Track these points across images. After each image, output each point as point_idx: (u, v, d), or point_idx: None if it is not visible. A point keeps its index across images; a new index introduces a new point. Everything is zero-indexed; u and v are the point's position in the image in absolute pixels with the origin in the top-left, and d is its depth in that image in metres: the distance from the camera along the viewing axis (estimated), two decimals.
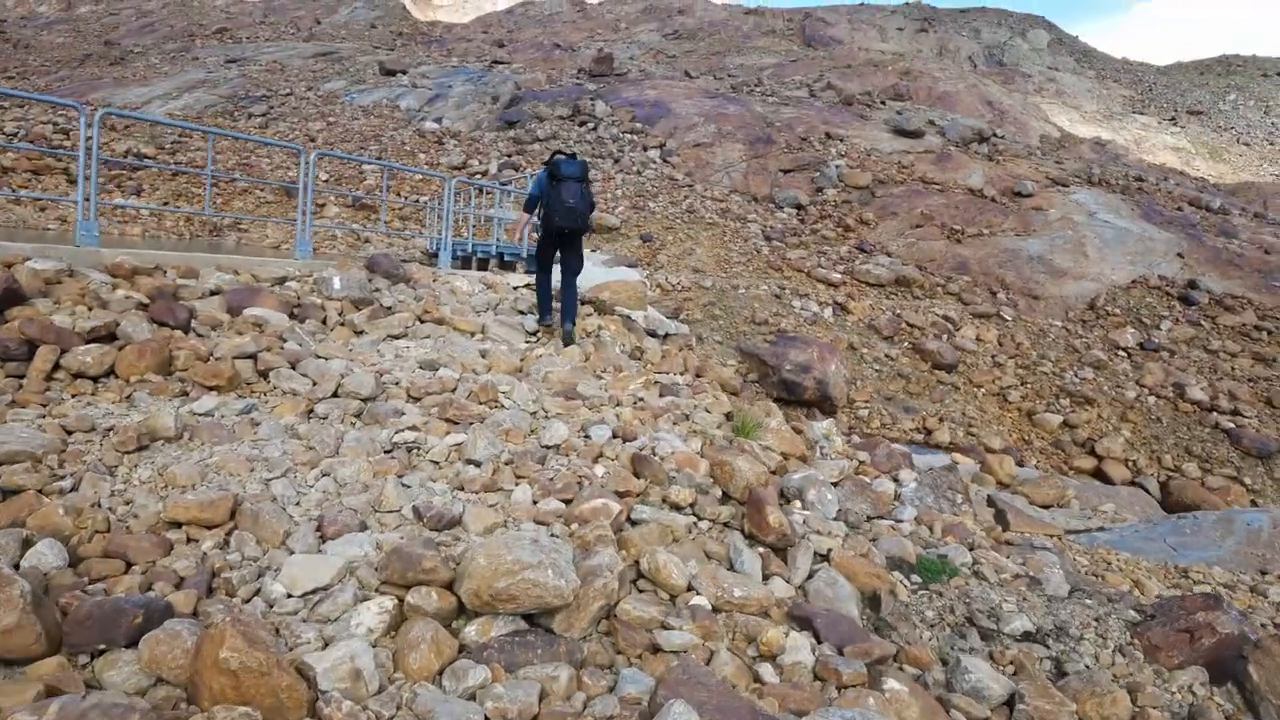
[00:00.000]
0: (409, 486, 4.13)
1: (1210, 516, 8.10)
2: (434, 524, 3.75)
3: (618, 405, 5.91)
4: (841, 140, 27.42)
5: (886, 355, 19.47)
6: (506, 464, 4.54)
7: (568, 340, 7.49)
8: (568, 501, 4.17)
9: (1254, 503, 16.01)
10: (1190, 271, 23.19)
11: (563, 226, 7.35)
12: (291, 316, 6.77)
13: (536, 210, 7.65)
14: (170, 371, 5.22)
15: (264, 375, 5.42)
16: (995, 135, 29.46)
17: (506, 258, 12.64)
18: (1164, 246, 23.86)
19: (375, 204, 22.99)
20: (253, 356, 5.50)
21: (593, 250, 15.83)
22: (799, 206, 24.88)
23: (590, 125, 28.19)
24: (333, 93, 32.57)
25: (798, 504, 5.14)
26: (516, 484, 4.30)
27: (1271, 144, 37.97)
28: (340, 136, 27.81)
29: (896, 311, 20.63)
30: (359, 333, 6.80)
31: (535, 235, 8.05)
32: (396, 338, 6.82)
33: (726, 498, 4.82)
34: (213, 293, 6.70)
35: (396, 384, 5.59)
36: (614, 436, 5.08)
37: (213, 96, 31.72)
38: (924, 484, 6.41)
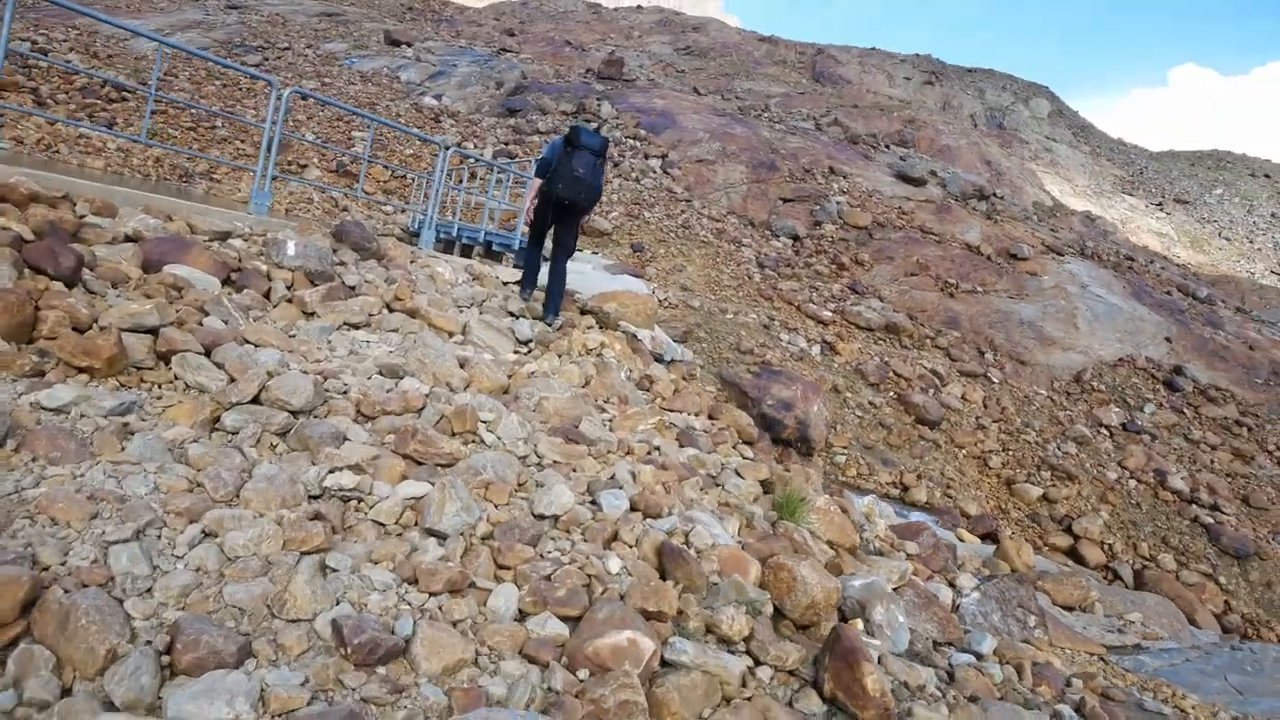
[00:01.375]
0: (335, 571, 2.62)
1: (1270, 652, 6.88)
2: (363, 656, 2.25)
3: (628, 453, 4.45)
4: (844, 177, 26.30)
5: (870, 403, 18.29)
6: (484, 540, 3.05)
7: (581, 309, 7.02)
8: (573, 621, 2.69)
9: (1227, 604, 15.18)
10: (1176, 357, 22.42)
11: (564, 197, 6.45)
12: (226, 283, 5.20)
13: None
14: (30, 339, 3.64)
15: (164, 359, 3.86)
16: (995, 195, 28.59)
17: (495, 246, 11.10)
18: (1153, 328, 23.09)
19: (361, 172, 21.30)
20: (153, 331, 3.93)
21: (594, 252, 14.34)
22: (795, 237, 23.68)
23: (594, 125, 26.72)
24: (332, 54, 30.69)
25: (860, 624, 3.73)
26: (498, 581, 2.82)
27: (1250, 241, 37.76)
28: (334, 99, 26.00)
29: (885, 359, 19.45)
30: (309, 314, 5.23)
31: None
32: (355, 327, 5.27)
33: (779, 615, 3.38)
34: (129, 239, 5.09)
35: (344, 393, 4.06)
36: (632, 509, 3.61)
37: (206, 39, 29.66)
38: (988, 595, 5.05)
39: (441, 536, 2.98)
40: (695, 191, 24.61)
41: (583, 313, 7.16)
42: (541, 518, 3.33)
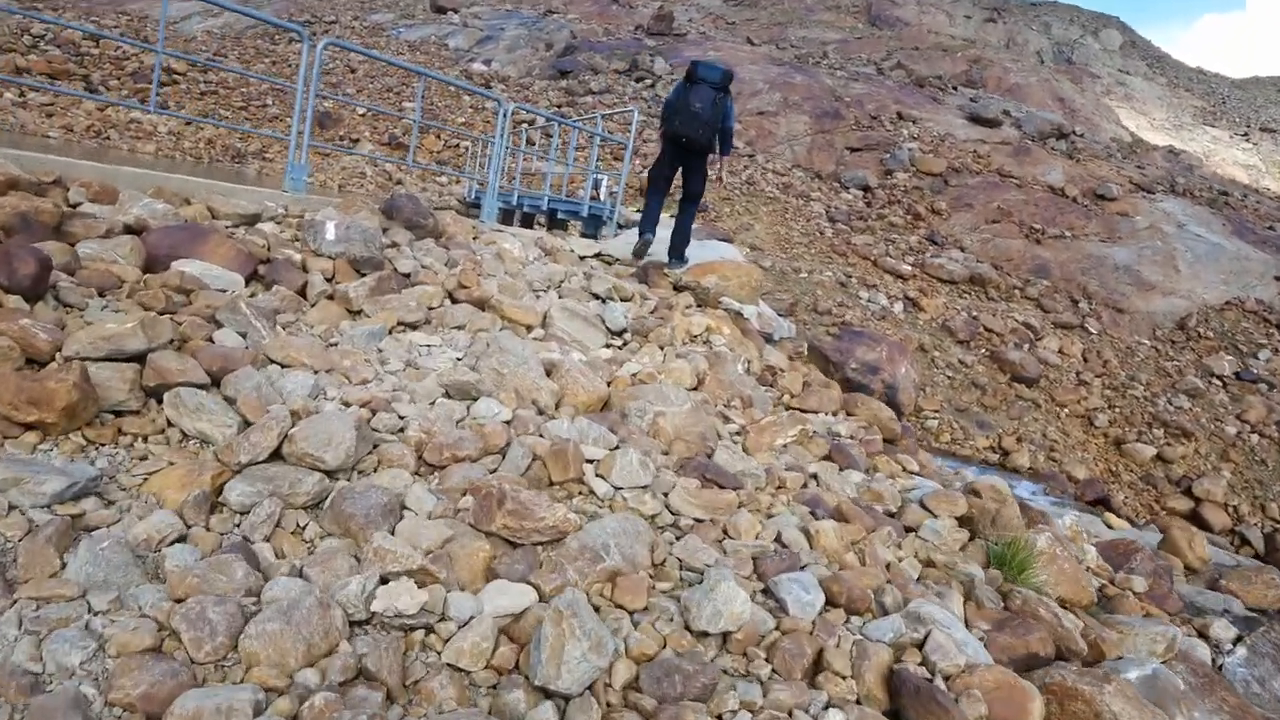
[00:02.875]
0: None
1: None
2: None
3: (779, 488, 3.20)
4: (914, 122, 24.27)
5: (961, 361, 16.70)
6: (625, 697, 1.84)
7: (675, 285, 6.14)
8: None
9: None
10: None
11: (680, 134, 5.90)
12: (254, 278, 4.06)
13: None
14: None
15: (155, 397, 2.72)
16: (1074, 133, 26.19)
17: (560, 214, 9.84)
18: (1260, 267, 20.81)
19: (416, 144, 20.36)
20: (137, 358, 2.78)
21: (671, 216, 12.99)
22: (866, 188, 21.89)
23: (648, 82, 25.06)
24: (379, 25, 29.53)
25: None
26: None
27: None
28: (382, 70, 24.98)
29: (973, 313, 17.77)
30: (354, 313, 4.07)
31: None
32: (412, 327, 4.08)
33: None
34: (129, 229, 3.97)
35: (399, 432, 2.87)
36: (830, 604, 2.36)
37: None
38: (1259, 652, 3.70)
39: (562, 698, 1.78)
40: (758, 145, 22.94)
41: (677, 289, 5.87)
42: (703, 636, 2.10)
